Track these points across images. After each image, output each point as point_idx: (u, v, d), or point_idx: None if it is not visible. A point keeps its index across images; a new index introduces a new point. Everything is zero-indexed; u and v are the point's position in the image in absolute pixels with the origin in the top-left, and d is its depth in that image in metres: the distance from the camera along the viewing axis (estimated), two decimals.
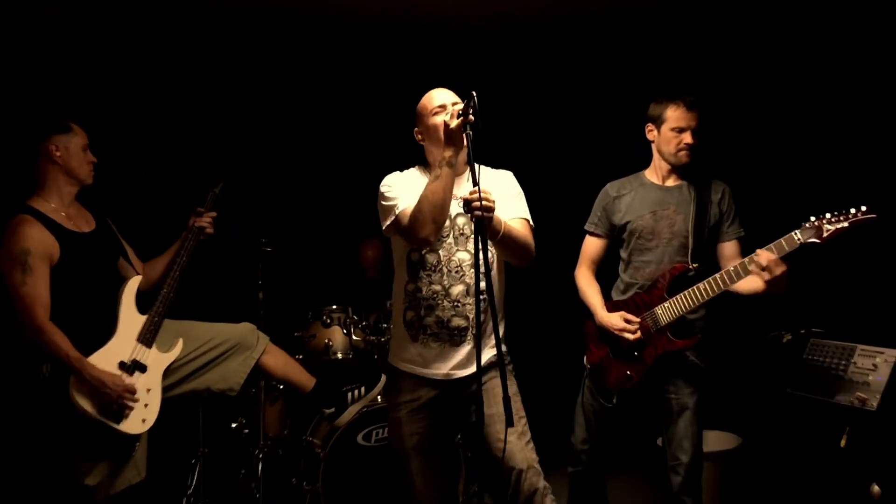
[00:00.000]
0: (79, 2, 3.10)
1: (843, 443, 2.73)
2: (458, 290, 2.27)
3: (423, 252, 2.29)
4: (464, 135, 2.08)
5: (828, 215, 2.42)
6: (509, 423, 1.98)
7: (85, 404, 2.40)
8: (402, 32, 3.56)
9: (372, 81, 3.99)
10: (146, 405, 2.54)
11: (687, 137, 2.68)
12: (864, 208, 2.39)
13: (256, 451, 3.34)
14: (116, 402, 2.43)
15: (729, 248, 2.72)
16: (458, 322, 2.27)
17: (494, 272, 2.33)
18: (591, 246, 2.89)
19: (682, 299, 2.63)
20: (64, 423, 2.45)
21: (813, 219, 2.44)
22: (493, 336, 2.29)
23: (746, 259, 2.51)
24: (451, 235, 2.30)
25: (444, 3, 3.30)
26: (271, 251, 3.42)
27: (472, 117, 2.07)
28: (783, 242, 2.45)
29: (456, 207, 2.28)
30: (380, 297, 3.79)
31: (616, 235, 2.84)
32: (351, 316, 3.61)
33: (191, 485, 3.28)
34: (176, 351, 2.65)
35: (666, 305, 2.66)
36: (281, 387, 3.59)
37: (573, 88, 3.95)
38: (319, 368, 3.59)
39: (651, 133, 2.78)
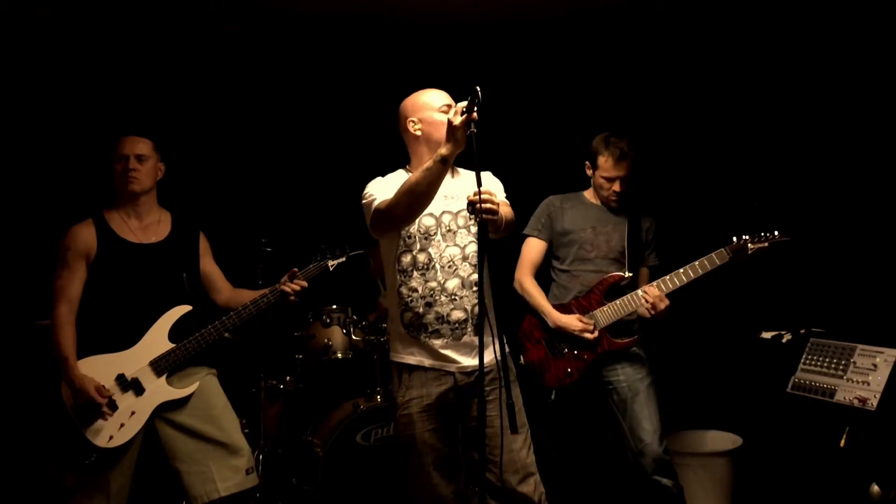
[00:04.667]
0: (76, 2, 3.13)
1: (842, 443, 2.72)
2: (453, 283, 2.29)
3: (414, 252, 2.30)
4: (468, 134, 2.01)
5: (746, 237, 2.76)
6: (512, 429, 2.00)
7: (66, 396, 2.49)
8: (403, 32, 3.56)
9: (373, 80, 3.99)
10: (121, 425, 2.52)
11: (616, 186, 2.94)
12: (777, 233, 2.77)
13: (256, 451, 3.35)
14: (90, 406, 2.46)
15: (644, 273, 3.06)
16: (457, 315, 2.29)
17: (485, 267, 2.32)
18: (535, 249, 3.06)
19: (620, 304, 2.90)
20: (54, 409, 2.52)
21: (736, 239, 2.77)
22: (488, 331, 2.29)
23: (639, 290, 2.88)
24: (439, 233, 2.32)
25: (437, 1, 3.30)
26: (271, 251, 3.42)
27: (475, 115, 2.00)
28: (720, 253, 2.78)
29: (441, 205, 2.30)
30: (377, 295, 3.80)
31: (554, 242, 3.04)
32: (350, 316, 3.62)
33: None
34: (183, 392, 2.62)
35: (605, 309, 2.91)
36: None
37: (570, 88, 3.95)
38: (319, 368, 3.62)
39: (589, 170, 3.02)
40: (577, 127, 3.18)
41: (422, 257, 2.31)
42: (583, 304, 2.95)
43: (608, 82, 3.87)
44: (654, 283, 2.86)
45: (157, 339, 2.61)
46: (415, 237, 2.31)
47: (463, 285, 2.30)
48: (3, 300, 3.50)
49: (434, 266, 2.30)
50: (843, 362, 2.85)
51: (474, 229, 2.33)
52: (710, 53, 3.64)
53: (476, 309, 2.29)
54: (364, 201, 2.33)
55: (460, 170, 2.45)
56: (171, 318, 2.64)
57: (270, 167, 4.14)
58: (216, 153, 4.00)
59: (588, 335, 2.86)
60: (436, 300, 2.29)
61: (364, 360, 3.55)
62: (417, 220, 2.30)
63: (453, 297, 2.28)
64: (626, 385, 2.91)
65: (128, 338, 2.59)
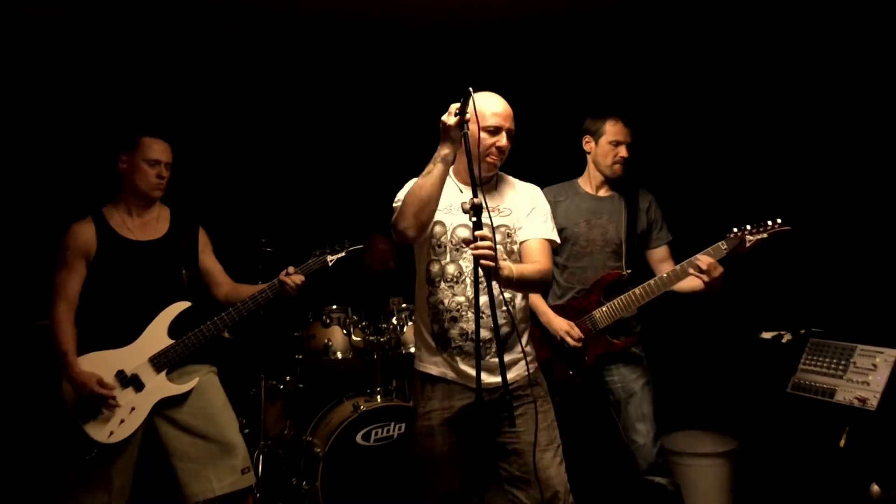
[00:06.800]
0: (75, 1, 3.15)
1: (842, 443, 2.73)
2: (482, 300, 2.11)
3: (443, 263, 2.25)
4: (461, 133, 2.05)
5: (748, 227, 2.64)
6: (510, 423, 2.07)
7: (67, 393, 2.51)
8: (401, 33, 3.57)
9: (373, 81, 4.01)
10: (122, 420, 2.53)
11: (623, 151, 2.89)
12: (779, 220, 2.61)
13: (256, 451, 3.36)
14: (92, 401, 2.48)
15: (660, 253, 2.95)
16: (483, 334, 2.16)
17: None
18: None
19: (619, 303, 2.81)
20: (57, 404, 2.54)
21: (735, 230, 2.66)
22: (518, 349, 2.29)
23: (685, 262, 2.71)
24: None
25: (444, 3, 3.31)
26: (271, 251, 3.43)
27: (468, 115, 2.04)
28: (717, 247, 2.65)
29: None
30: (383, 293, 3.79)
31: None
32: (350, 316, 3.61)
33: None
34: (183, 387, 2.62)
35: (604, 310, 2.83)
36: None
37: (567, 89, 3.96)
38: (319, 368, 3.62)
39: (588, 144, 2.98)
40: (573, 125, 3.17)
41: (451, 269, 2.25)
42: (582, 305, 2.88)
43: (605, 80, 3.87)
44: (643, 283, 2.77)
45: (156, 336, 2.61)
46: (445, 247, 2.25)
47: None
48: (4, 300, 3.50)
49: (464, 280, 2.23)
50: (842, 362, 2.85)
51: (515, 247, 2.29)
52: (709, 52, 3.65)
53: (503, 329, 2.23)
54: (394, 204, 2.29)
55: (515, 182, 2.40)
56: (170, 314, 2.64)
57: (271, 167, 4.14)
58: (217, 153, 4.00)
59: (570, 340, 2.77)
60: (462, 315, 2.23)
61: (364, 361, 3.55)
62: (451, 230, 2.25)
63: (481, 314, 2.13)
64: (621, 386, 2.86)
65: (128, 334, 2.60)
